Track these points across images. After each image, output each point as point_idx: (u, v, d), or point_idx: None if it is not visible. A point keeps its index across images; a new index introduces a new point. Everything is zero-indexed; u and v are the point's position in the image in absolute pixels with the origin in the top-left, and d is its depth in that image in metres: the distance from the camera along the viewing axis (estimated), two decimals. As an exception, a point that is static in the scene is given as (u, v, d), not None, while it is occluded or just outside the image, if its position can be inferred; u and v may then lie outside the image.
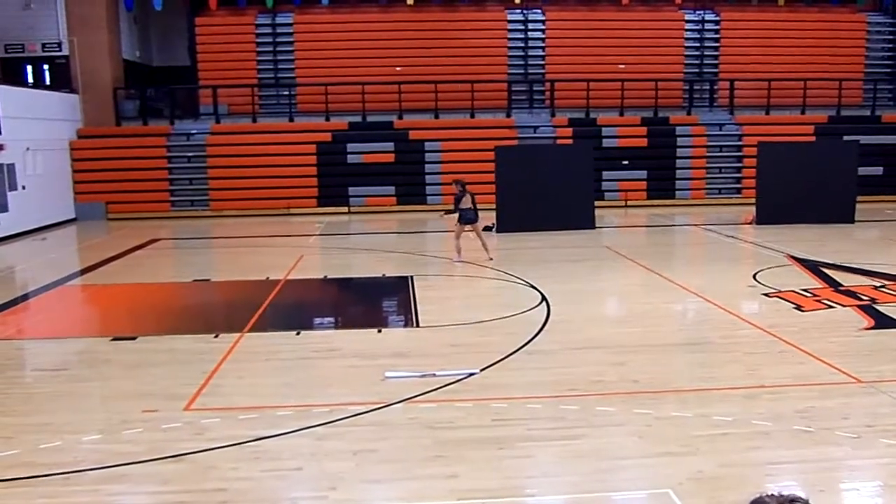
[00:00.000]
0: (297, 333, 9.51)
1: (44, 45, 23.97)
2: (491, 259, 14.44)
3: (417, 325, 9.99)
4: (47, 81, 24.39)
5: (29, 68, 24.53)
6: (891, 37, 29.07)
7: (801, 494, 2.10)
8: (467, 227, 14.57)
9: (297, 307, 11.57)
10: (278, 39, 26.49)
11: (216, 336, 9.36)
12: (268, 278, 13.00)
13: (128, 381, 7.76)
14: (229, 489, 5.33)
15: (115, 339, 9.38)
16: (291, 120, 24.62)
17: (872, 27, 28.74)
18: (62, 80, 23.82)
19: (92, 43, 23.61)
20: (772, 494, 2.09)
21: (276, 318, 10.64)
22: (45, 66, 24.55)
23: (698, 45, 27.98)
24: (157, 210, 22.84)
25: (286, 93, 25.79)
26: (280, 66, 26.49)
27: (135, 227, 20.93)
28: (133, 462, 5.74)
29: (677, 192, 24.66)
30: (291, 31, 26.44)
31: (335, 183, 23.50)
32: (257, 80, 26.23)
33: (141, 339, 9.35)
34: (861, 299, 10.86)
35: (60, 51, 23.85)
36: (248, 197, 23.02)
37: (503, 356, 8.29)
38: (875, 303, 10.64)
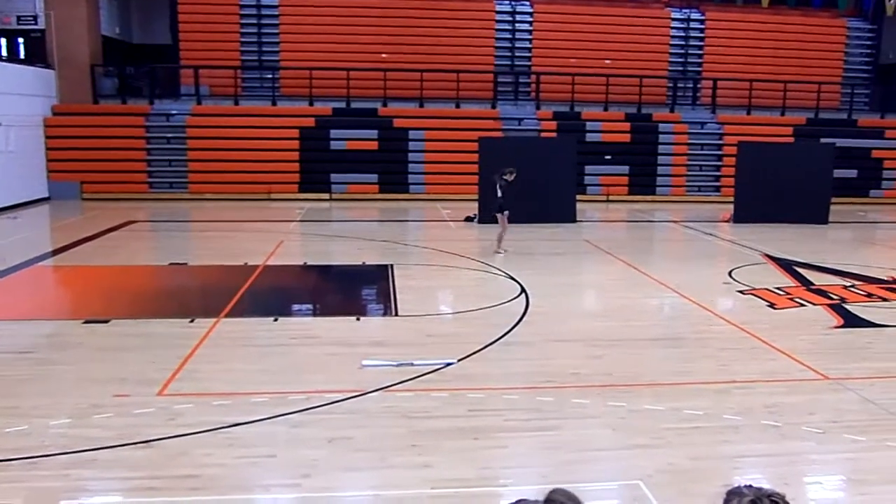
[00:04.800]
0: (275, 320, 9.48)
1: (19, 18, 23.41)
2: (498, 252, 14.32)
3: (396, 314, 10.00)
4: (22, 56, 23.86)
5: (3, 42, 23.91)
6: (869, 42, 29.41)
7: (777, 490, 2.14)
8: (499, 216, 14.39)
9: (275, 293, 11.52)
10: (263, 21, 26.24)
11: (192, 321, 9.31)
12: (246, 263, 12.95)
13: (99, 364, 7.67)
14: (201, 475, 5.31)
15: (88, 321, 9.28)
16: (274, 103, 24.43)
17: (852, 32, 29.07)
18: (38, 55, 23.30)
19: (69, 17, 23.16)
20: (749, 486, 2.13)
21: (254, 303, 10.59)
22: (20, 40, 23.95)
23: (683, 43, 28.13)
24: (133, 191, 22.59)
25: (270, 76, 25.54)
26: (264, 49, 26.26)
27: (110, 207, 20.70)
28: (102, 447, 5.68)
29: (658, 189, 24.82)
30: (277, 12, 26.18)
31: (317, 169, 23.38)
32: (240, 61, 25.96)
33: (114, 322, 9.27)
34: (832, 298, 11.03)
35: (36, 24, 23.30)
36: (229, 180, 22.83)
37: (481, 347, 8.33)
38: (845, 302, 10.81)
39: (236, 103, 24.28)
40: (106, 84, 24.78)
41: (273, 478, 5.39)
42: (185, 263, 13.42)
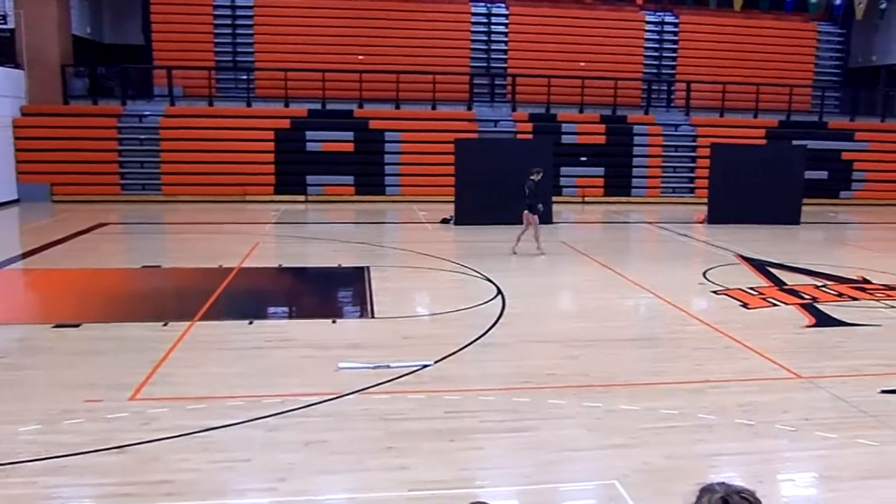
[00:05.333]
0: (250, 323, 9.41)
1: (-12, 18, 23.14)
2: (515, 253, 14.48)
3: (373, 316, 9.97)
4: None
5: (-29, 42, 23.61)
6: (839, 46, 29.88)
7: (747, 487, 2.16)
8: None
9: (250, 296, 11.44)
10: (237, 21, 26.08)
11: (165, 324, 9.21)
12: (221, 266, 12.84)
13: (70, 369, 7.56)
14: (175, 481, 5.25)
15: (58, 325, 9.15)
16: (249, 105, 24.28)
17: (823, 36, 29.53)
18: (7, 55, 22.89)
19: (40, 17, 22.87)
20: (721, 483, 2.15)
21: (229, 306, 10.51)
22: (-11, 40, 23.67)
23: (657, 46, 28.39)
24: (105, 193, 22.28)
25: (244, 77, 25.39)
26: (239, 49, 26.10)
27: (81, 210, 20.42)
28: (73, 453, 5.60)
29: (633, 190, 25.01)
30: (251, 13, 26.05)
31: (293, 170, 23.25)
32: (215, 62, 25.78)
33: (85, 326, 9.15)
34: (804, 298, 11.17)
35: (6, 24, 22.90)
36: (203, 182, 22.64)
37: (458, 348, 8.33)
38: (816, 302, 10.95)
39: (210, 104, 24.09)
40: (77, 84, 24.48)
41: (249, 482, 5.34)
42: (159, 266, 13.28)
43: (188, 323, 9.24)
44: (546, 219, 18.90)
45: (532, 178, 14.41)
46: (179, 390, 7.00)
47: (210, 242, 15.78)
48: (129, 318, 9.59)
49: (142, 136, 22.96)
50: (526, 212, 14.49)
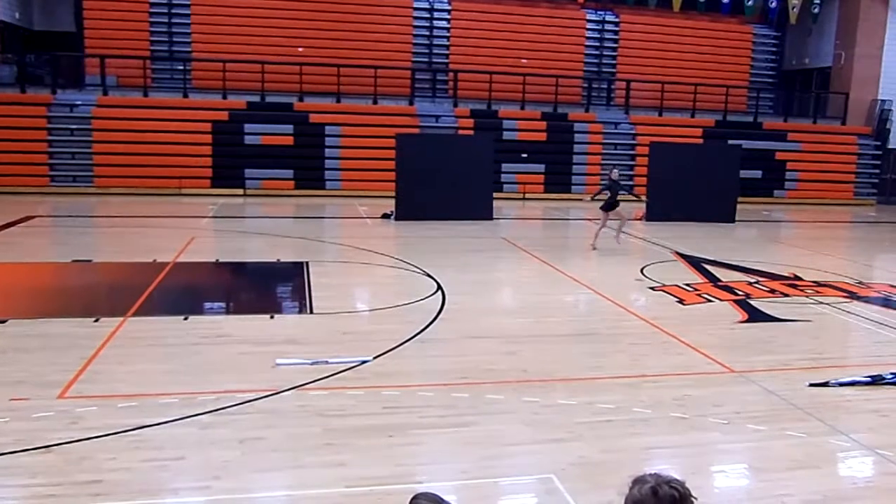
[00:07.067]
0: (185, 318, 9.20)
1: None
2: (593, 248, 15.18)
3: (311, 312, 9.85)
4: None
5: None
6: (774, 49, 30.77)
7: (677, 476, 2.23)
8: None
9: (185, 291, 11.19)
10: (174, 11, 25.45)
11: (96, 320, 8.94)
12: (155, 260, 12.52)
13: (-5, 366, 7.28)
14: (105, 481, 5.09)
15: (-16, 320, 8.80)
16: (186, 96, 23.74)
17: (758, 38, 30.34)
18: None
19: (-35, 2, 22.01)
20: (653, 474, 2.22)
21: (163, 302, 10.25)
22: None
23: (598, 44, 28.76)
24: (34, 184, 21.49)
25: (181, 67, 24.79)
26: (175, 39, 25.48)
27: (8, 201, 19.63)
28: (-1, 453, 5.39)
29: (573, 187, 25.28)
30: (188, 1, 25.44)
31: (231, 164, 22.83)
32: (150, 51, 25.13)
33: (11, 322, 8.81)
34: (737, 294, 11.46)
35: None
36: (137, 174, 22.04)
37: (397, 344, 8.29)
38: (749, 298, 11.25)
39: (145, 95, 23.46)
40: (4, 72, 23.60)
41: (182, 481, 5.21)
42: (90, 260, 12.87)
43: (120, 319, 8.98)
44: (486, 215, 19.06)
45: (613, 178, 15.35)
46: (110, 388, 6.79)
47: (144, 236, 15.38)
48: (58, 314, 9.28)
49: (73, 127, 22.22)
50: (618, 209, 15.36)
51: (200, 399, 6.50)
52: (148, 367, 7.44)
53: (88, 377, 7.05)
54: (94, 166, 22.13)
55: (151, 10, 25.26)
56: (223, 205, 20.70)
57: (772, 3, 28.73)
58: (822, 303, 11.15)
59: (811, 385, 7.41)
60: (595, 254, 16.23)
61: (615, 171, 15.70)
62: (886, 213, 25.68)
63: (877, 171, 28.11)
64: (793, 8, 28.23)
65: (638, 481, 2.21)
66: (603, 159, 25.64)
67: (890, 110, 28.23)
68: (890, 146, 28.40)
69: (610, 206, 15.34)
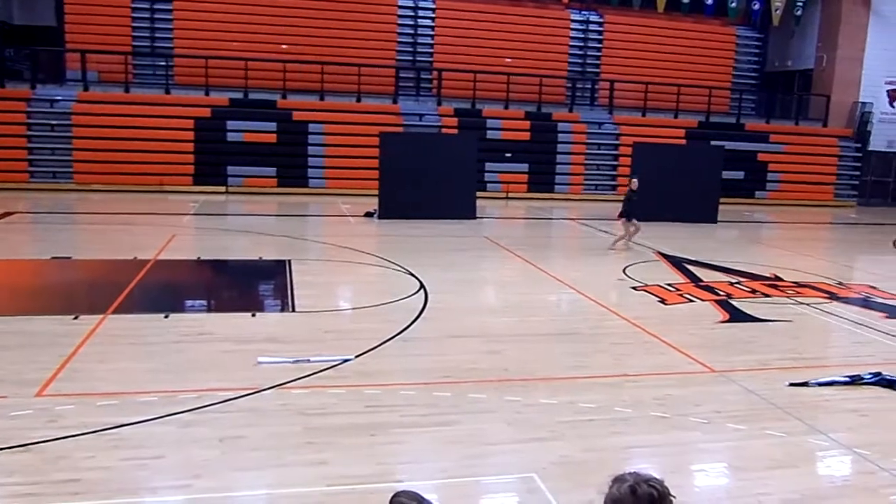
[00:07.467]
0: (166, 316, 9.13)
1: None
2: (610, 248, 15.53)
3: (293, 310, 9.81)
4: None
5: None
6: (757, 50, 30.97)
7: (657, 475, 2.26)
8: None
9: (166, 289, 11.10)
10: (156, 6, 25.22)
11: (76, 318, 8.85)
12: (136, 258, 12.41)
13: (-28, 364, 7.18)
14: (83, 479, 5.05)
15: (-39, 317, 8.69)
16: (168, 92, 23.53)
17: (741, 40, 30.53)
18: None
19: (-57, -4, 21.67)
20: (632, 473, 2.24)
21: (144, 299, 10.17)
22: None
23: (582, 45, 28.81)
24: (12, 180, 21.18)
25: (163, 63, 24.57)
26: (157, 35, 25.26)
27: (-12, 197, 19.45)
28: (-25, 451, 5.32)
29: (556, 187, 25.35)
30: (170, -3, 25.26)
31: (213, 161, 22.66)
32: (132, 47, 24.88)
33: (-9, 318, 8.72)
34: (718, 294, 11.53)
35: None
36: (118, 171, 21.83)
37: (379, 343, 8.27)
38: (731, 298, 11.32)
39: (127, 91, 23.24)
40: (-17, 67, 23.26)
41: (161, 480, 5.17)
42: (70, 257, 12.75)
43: (100, 316, 8.90)
44: (469, 214, 19.06)
45: (633, 188, 15.43)
46: (89, 386, 6.73)
47: (125, 234, 15.25)
48: (37, 312, 9.19)
49: (53, 122, 21.97)
50: (624, 220, 15.46)
51: (181, 397, 6.46)
52: (128, 365, 7.38)
53: (67, 375, 6.98)
54: (74, 162, 21.90)
55: (133, 5, 25.01)
56: (205, 202, 20.56)
57: (755, 4, 28.93)
58: (802, 303, 11.24)
59: (791, 385, 7.47)
60: (578, 254, 16.31)
61: (634, 180, 15.67)
62: (866, 214, 25.94)
63: (857, 172, 28.40)
64: (776, 10, 28.44)
65: (617, 480, 2.23)
66: (586, 159, 25.74)
67: (871, 112, 28.52)
68: (870, 148, 28.71)
69: (629, 215, 15.42)
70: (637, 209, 15.44)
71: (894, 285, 12.79)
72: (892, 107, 28.97)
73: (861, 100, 28.47)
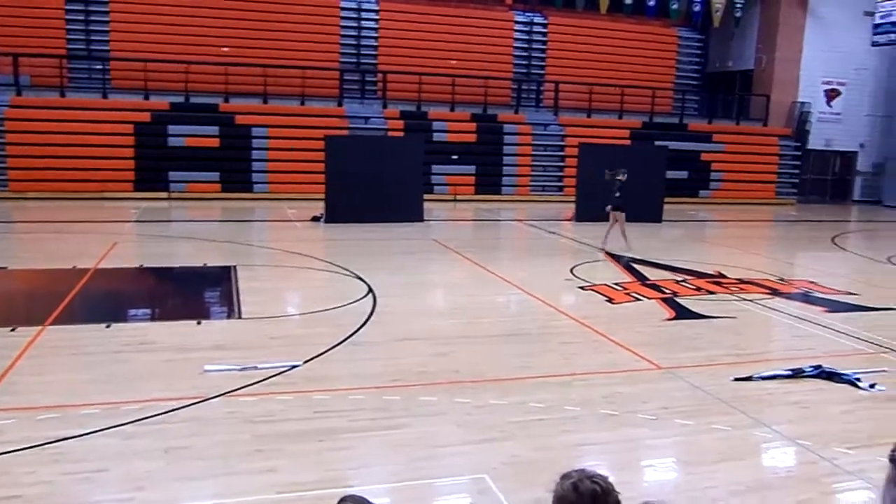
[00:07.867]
0: (108, 326, 8.89)
1: None
2: (603, 249, 15.46)
3: (240, 317, 9.64)
4: None
5: None
6: (698, 51, 31.62)
7: (603, 472, 2.30)
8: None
9: (108, 298, 10.82)
10: (91, 7, 24.56)
11: (13, 329, 8.55)
12: (75, 267, 12.07)
13: None
14: (24, 496, 4.88)
15: None
16: (105, 97, 22.97)
17: (683, 41, 31.14)
18: None
19: None
20: (578, 470, 2.29)
21: (84, 309, 9.90)
22: None
23: (527, 46, 29.03)
24: (-57, 189, 20.53)
25: (99, 66, 23.97)
26: (93, 37, 24.62)
27: (-82, 207, 18.72)
28: None
29: (503, 188, 25.49)
30: (107, -1, 24.66)
31: (154, 166, 22.19)
32: (66, 49, 24.22)
33: (-80, 331, 8.38)
34: (664, 292, 11.72)
35: None
36: (55, 178, 21.21)
37: (327, 348, 8.18)
38: (676, 296, 11.51)
39: (62, 95, 22.62)
40: None
41: (104, 493, 5.03)
42: (5, 267, 12.32)
43: (38, 328, 8.61)
44: (417, 217, 19.04)
45: (619, 178, 15.48)
46: (28, 399, 6.51)
47: (63, 242, 14.82)
48: (-32, 324, 8.84)
49: (-15, 128, 21.26)
50: (610, 208, 15.56)
51: (123, 409, 6.29)
52: (68, 376, 7.16)
53: (5, 388, 6.75)
54: (8, 170, 21.21)
55: (67, 7, 24.31)
56: (147, 209, 20.12)
57: (696, 6, 29.53)
58: (745, 300, 11.49)
59: (735, 379, 7.62)
60: (525, 254, 16.43)
61: (624, 174, 15.79)
62: (806, 211, 26.71)
63: (797, 171, 29.21)
64: (716, 11, 29.09)
65: (564, 477, 2.27)
66: (533, 160, 25.93)
67: (809, 112, 29.39)
68: (809, 147, 29.57)
69: (616, 207, 15.65)
70: (614, 202, 15.77)
71: (833, 280, 13.18)
72: (830, 106, 29.91)
73: (800, 100, 29.31)
